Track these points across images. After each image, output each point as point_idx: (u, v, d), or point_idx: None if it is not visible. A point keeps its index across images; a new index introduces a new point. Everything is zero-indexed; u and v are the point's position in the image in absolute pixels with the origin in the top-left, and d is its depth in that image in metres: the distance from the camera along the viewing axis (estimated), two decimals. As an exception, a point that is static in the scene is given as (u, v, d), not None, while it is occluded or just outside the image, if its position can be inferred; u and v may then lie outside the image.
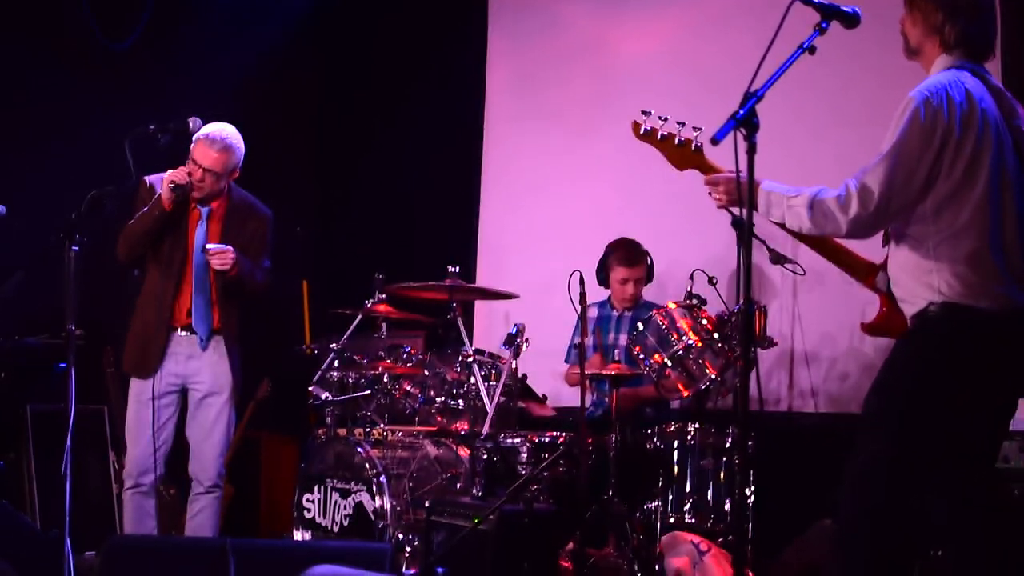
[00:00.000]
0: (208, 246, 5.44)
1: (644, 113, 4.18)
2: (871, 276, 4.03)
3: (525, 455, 5.81)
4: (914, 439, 3.66)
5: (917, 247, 3.70)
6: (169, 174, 5.38)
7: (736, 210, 3.84)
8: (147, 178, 5.53)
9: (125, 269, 5.66)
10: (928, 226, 3.67)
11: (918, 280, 3.69)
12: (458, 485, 6.00)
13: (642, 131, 4.19)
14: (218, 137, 5.45)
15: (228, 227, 5.60)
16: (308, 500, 6.31)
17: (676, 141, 4.08)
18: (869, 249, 4.07)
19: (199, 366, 5.55)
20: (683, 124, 4.09)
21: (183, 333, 5.53)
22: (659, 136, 4.12)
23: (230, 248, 5.43)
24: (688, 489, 5.60)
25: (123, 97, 7.24)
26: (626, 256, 6.61)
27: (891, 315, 3.93)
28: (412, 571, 5.68)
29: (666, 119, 4.16)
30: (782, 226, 3.84)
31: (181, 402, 5.59)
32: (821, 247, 4.09)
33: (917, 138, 3.60)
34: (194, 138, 5.44)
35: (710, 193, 4.01)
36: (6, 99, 6.84)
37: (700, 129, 3.96)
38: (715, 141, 3.40)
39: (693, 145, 4.06)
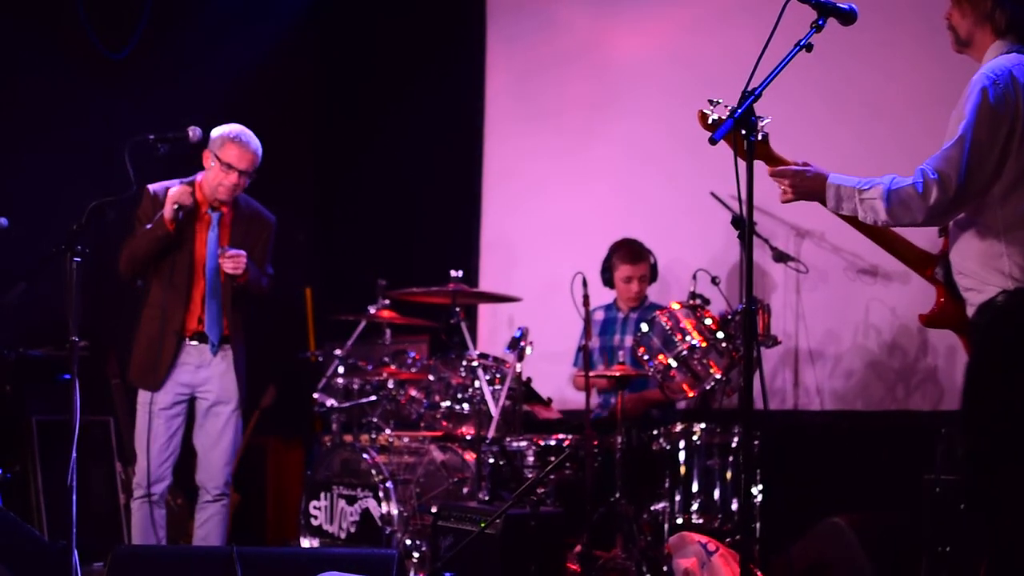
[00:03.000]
0: (228, 249, 5.43)
1: (711, 102, 4.02)
2: (929, 267, 3.97)
3: (531, 458, 5.81)
4: (991, 432, 3.61)
5: (984, 234, 3.67)
6: (173, 194, 5.33)
7: (742, 208, 3.76)
8: (150, 187, 5.49)
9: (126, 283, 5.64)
10: (995, 211, 3.64)
11: (987, 267, 3.66)
12: (464, 490, 6.00)
13: (709, 122, 4.06)
14: (247, 139, 5.45)
15: (236, 232, 5.59)
16: (315, 507, 6.31)
17: (742, 132, 3.86)
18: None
19: (208, 375, 5.53)
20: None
21: (193, 342, 5.51)
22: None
23: (243, 253, 5.42)
24: (695, 489, 5.60)
25: (122, 106, 7.23)
26: (629, 253, 6.61)
27: (947, 306, 3.89)
28: (420, 576, 5.69)
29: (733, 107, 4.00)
30: (851, 220, 3.79)
31: (189, 411, 5.58)
32: (878, 237, 4.02)
33: (987, 121, 3.58)
34: (219, 140, 5.40)
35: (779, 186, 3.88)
36: (5, 110, 6.84)
37: (767, 118, 3.82)
38: (713, 141, 3.39)
39: (760, 135, 3.88)
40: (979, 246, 3.67)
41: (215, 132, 5.46)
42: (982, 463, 3.64)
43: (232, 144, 5.40)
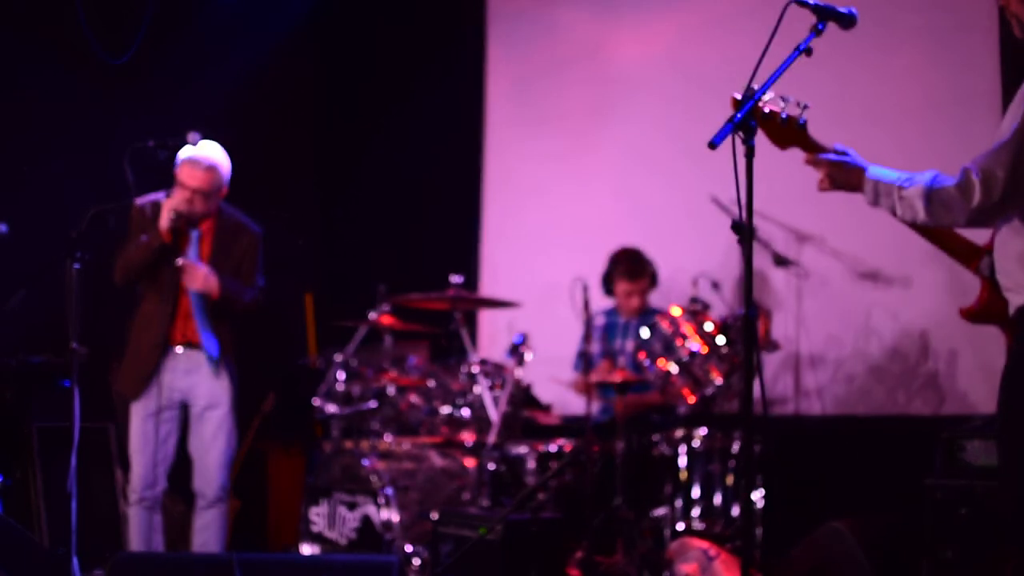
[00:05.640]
0: (180, 261, 5.44)
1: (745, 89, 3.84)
2: (975, 260, 3.82)
3: (531, 464, 5.81)
4: None
5: None
6: (168, 202, 5.37)
7: (742, 211, 3.68)
8: (138, 201, 5.54)
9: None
10: None
11: None
12: (465, 496, 6.00)
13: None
14: (202, 157, 5.43)
15: (218, 246, 5.60)
16: (315, 513, 6.30)
17: (779, 119, 3.70)
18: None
19: (197, 380, 5.56)
20: (786, 99, 3.70)
21: (181, 350, 5.53)
22: (762, 114, 3.68)
23: (202, 268, 5.44)
24: (696, 494, 5.60)
25: (123, 112, 7.23)
26: (629, 269, 6.59)
27: (992, 301, 3.72)
28: (420, 582, 5.68)
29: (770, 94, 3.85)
30: (893, 214, 3.58)
31: (182, 416, 5.60)
32: (925, 230, 3.83)
33: None
34: (178, 160, 5.42)
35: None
36: (5, 116, 6.84)
37: (806, 106, 3.66)
38: (713, 145, 3.35)
39: (797, 123, 3.70)
40: (1019, 247, 3.44)
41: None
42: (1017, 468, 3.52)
43: (185, 163, 5.43)
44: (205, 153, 5.45)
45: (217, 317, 5.56)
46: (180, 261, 5.44)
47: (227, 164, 5.55)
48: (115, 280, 5.54)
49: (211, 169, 5.44)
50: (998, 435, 3.50)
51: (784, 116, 3.67)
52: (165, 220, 5.34)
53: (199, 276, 5.44)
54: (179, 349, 5.53)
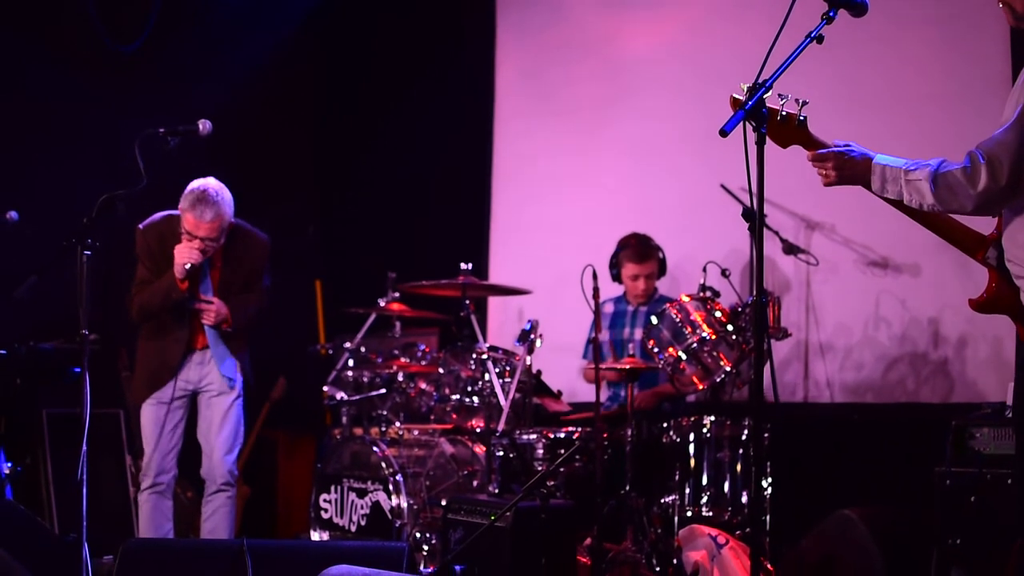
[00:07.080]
0: (202, 299, 5.53)
1: (745, 88, 3.79)
2: (981, 250, 3.72)
3: (541, 451, 5.81)
4: None
5: None
6: (180, 255, 5.40)
7: (750, 201, 3.64)
8: (140, 226, 5.59)
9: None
10: None
11: None
12: (474, 482, 6.00)
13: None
14: (206, 207, 5.40)
15: (229, 268, 5.64)
16: (325, 500, 6.32)
17: (778, 117, 3.65)
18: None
19: (209, 370, 5.59)
20: (785, 97, 3.65)
21: (194, 354, 5.59)
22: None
23: (213, 306, 5.51)
24: (705, 482, 5.60)
25: (132, 99, 7.24)
26: (635, 252, 6.58)
27: (1000, 290, 3.65)
28: (430, 569, 5.68)
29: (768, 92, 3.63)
30: (899, 204, 3.57)
31: (192, 405, 5.63)
32: (929, 221, 3.73)
33: None
34: (182, 202, 5.43)
35: (818, 171, 3.67)
36: (15, 105, 6.85)
37: (806, 102, 3.63)
38: (724, 133, 3.33)
39: (797, 120, 3.67)
40: None
41: (186, 189, 5.48)
42: None
43: (189, 211, 5.42)
44: (206, 200, 5.41)
45: (230, 336, 5.63)
46: (194, 305, 5.53)
47: (229, 200, 5.53)
48: (132, 318, 5.65)
49: (217, 218, 5.42)
50: (1015, 423, 3.49)
51: (782, 115, 3.63)
52: (180, 272, 5.41)
53: (211, 314, 5.53)
54: (193, 355, 5.60)
